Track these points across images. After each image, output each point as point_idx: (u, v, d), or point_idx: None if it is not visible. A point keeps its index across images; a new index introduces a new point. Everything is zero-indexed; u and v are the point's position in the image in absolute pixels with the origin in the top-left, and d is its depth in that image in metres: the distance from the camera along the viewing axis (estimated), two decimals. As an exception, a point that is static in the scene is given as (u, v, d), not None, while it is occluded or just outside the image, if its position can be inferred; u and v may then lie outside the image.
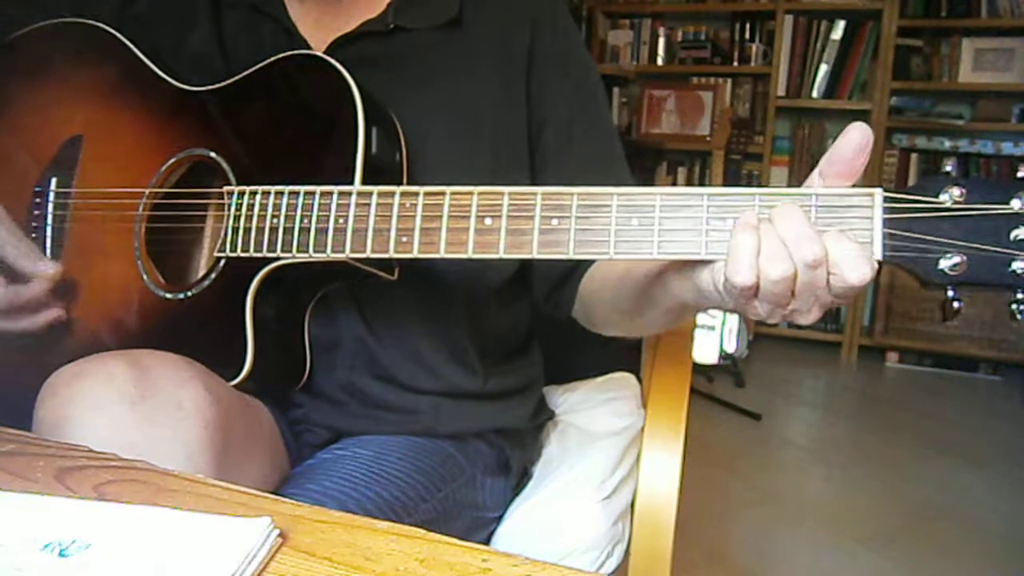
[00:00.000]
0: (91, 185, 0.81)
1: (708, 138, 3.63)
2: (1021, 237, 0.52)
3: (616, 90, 3.81)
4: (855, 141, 0.53)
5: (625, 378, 1.13)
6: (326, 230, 0.66)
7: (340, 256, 0.66)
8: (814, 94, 3.56)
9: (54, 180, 0.83)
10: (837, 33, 3.50)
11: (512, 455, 0.91)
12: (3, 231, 0.74)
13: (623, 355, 1.14)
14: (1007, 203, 0.52)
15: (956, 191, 0.53)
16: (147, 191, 0.79)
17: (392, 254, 0.63)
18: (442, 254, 0.61)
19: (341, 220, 0.66)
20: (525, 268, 0.89)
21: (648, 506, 0.90)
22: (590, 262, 0.83)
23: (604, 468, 0.92)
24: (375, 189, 0.65)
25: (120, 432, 0.59)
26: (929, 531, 2.09)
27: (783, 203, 0.54)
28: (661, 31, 3.82)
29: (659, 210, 0.57)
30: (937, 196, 0.53)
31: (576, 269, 0.84)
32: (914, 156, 3.46)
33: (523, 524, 0.89)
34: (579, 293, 0.85)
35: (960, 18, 3.32)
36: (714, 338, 2.94)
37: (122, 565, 0.43)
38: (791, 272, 0.52)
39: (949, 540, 2.05)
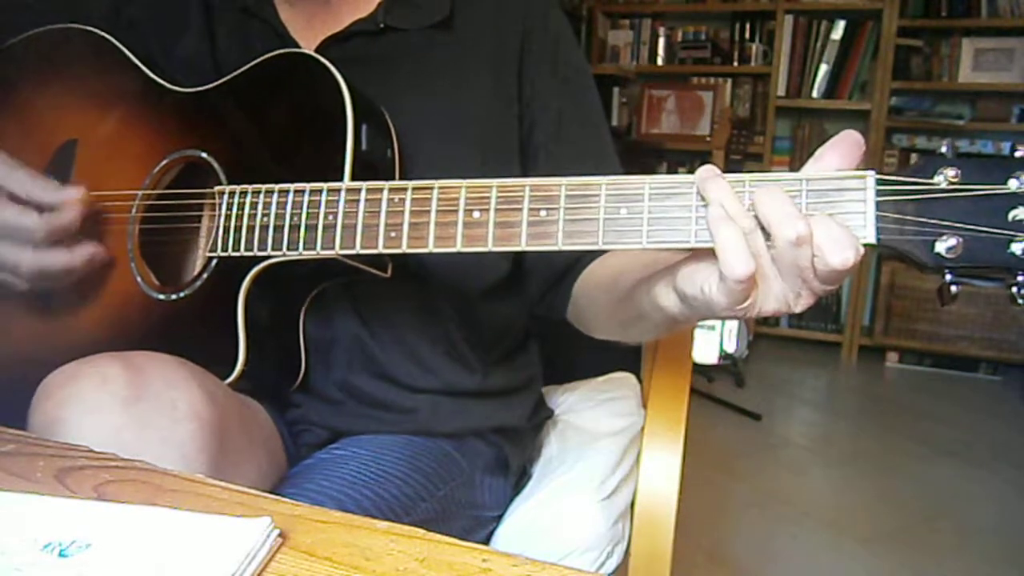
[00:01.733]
0: (86, 188, 0.81)
1: (708, 138, 3.63)
2: (1020, 217, 0.51)
3: (616, 90, 3.81)
4: (850, 152, 0.53)
5: (625, 378, 1.13)
6: (315, 227, 0.66)
7: (329, 253, 0.66)
8: (814, 94, 3.57)
9: None
10: (837, 33, 3.50)
11: (511, 454, 0.91)
12: (15, 169, 0.74)
13: (623, 355, 1.14)
14: (1004, 183, 0.51)
15: (951, 172, 0.52)
16: (140, 193, 0.79)
17: (381, 249, 0.63)
18: (431, 248, 0.61)
19: (330, 217, 0.65)
20: (520, 265, 0.89)
21: (648, 506, 0.90)
22: (584, 264, 0.83)
23: (604, 468, 0.92)
24: (364, 185, 0.65)
25: (114, 434, 0.59)
26: (928, 531, 2.10)
27: (764, 187, 0.53)
28: (661, 31, 3.83)
29: (648, 198, 0.56)
30: (931, 177, 0.52)
31: (569, 272, 0.84)
32: (914, 156, 3.46)
33: (523, 524, 0.89)
34: (573, 296, 0.85)
35: (960, 18, 3.32)
36: (714, 338, 2.94)
37: (122, 565, 0.43)
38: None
39: (948, 540, 2.05)
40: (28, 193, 0.73)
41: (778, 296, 0.54)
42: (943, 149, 0.54)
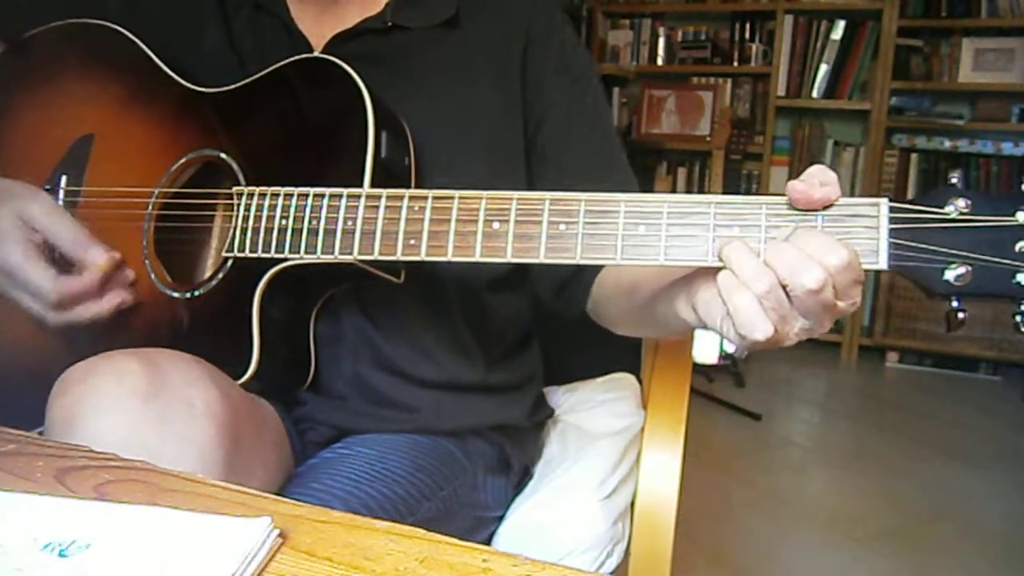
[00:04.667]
0: (101, 184, 0.82)
1: (708, 138, 3.63)
2: None
3: (616, 90, 3.80)
4: (800, 199, 0.54)
5: (625, 378, 1.13)
6: (334, 232, 0.66)
7: (348, 258, 0.66)
8: (814, 94, 3.56)
9: (64, 178, 0.83)
10: (837, 33, 3.50)
11: (512, 453, 0.91)
12: (55, 216, 0.74)
13: (623, 355, 1.14)
14: (1012, 215, 0.53)
15: (962, 203, 0.54)
16: (156, 191, 0.79)
17: (400, 256, 0.64)
18: (450, 257, 0.62)
19: (350, 222, 0.66)
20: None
21: (648, 506, 0.90)
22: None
23: (604, 468, 0.92)
24: (384, 192, 0.65)
25: (133, 429, 0.59)
26: (929, 531, 2.10)
27: (772, 246, 0.54)
28: (661, 31, 3.83)
29: (666, 217, 0.57)
30: (943, 207, 0.54)
31: (585, 267, 0.84)
32: (914, 156, 3.46)
33: (523, 524, 0.89)
34: (592, 294, 0.85)
35: (960, 18, 3.32)
36: (714, 338, 2.94)
37: (122, 565, 0.43)
38: (827, 278, 0.52)
39: (949, 540, 2.05)
40: (58, 243, 0.73)
41: (800, 332, 0.55)
42: (954, 179, 0.57)
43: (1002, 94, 3.32)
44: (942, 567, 1.93)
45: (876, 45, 3.42)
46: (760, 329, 0.53)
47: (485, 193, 0.61)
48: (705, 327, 0.59)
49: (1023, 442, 2.70)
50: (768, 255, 0.54)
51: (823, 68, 3.53)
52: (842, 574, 1.91)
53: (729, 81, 3.75)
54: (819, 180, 0.54)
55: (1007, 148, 3.28)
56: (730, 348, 3.02)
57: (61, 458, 0.55)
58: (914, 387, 3.27)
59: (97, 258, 0.73)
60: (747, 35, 3.69)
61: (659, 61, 3.84)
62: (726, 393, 2.97)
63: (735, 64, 3.71)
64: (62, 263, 0.74)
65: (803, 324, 0.55)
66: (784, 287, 0.53)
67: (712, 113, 3.69)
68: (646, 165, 3.78)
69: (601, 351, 1.12)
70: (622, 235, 0.57)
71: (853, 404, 3.15)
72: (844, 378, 3.42)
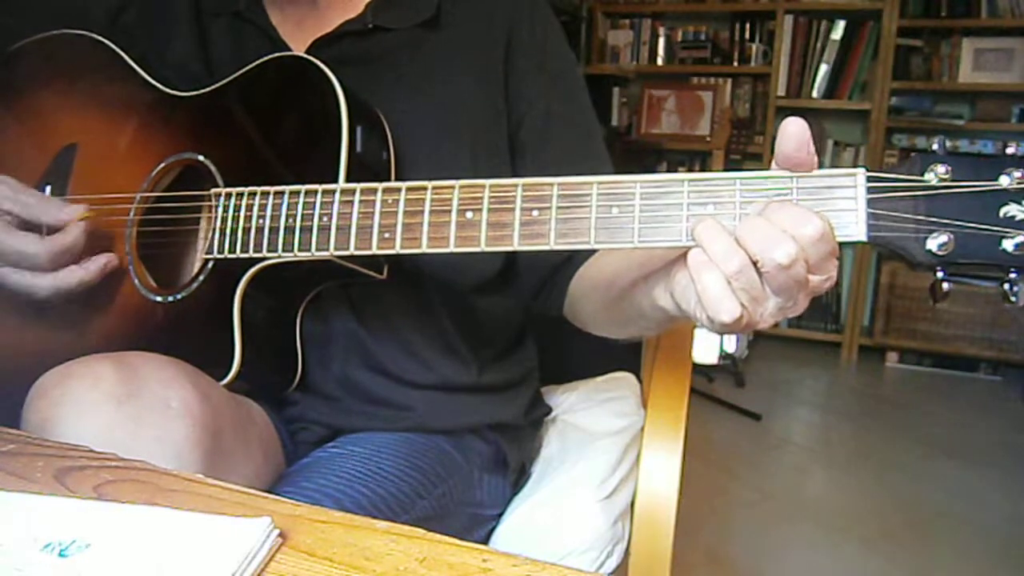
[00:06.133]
0: (86, 192, 0.82)
1: (708, 138, 3.63)
2: (1011, 214, 0.51)
3: (616, 90, 3.81)
4: (793, 135, 0.52)
5: (625, 378, 1.13)
6: (310, 228, 0.66)
7: (324, 254, 0.66)
8: (814, 94, 3.56)
9: (48, 188, 0.83)
10: (837, 33, 3.50)
11: (509, 451, 0.91)
12: (20, 192, 0.74)
13: (623, 355, 1.14)
14: (995, 180, 0.51)
15: (942, 169, 0.51)
16: (138, 196, 0.79)
17: (375, 250, 0.63)
18: (424, 249, 0.61)
19: (325, 218, 0.66)
20: (514, 262, 0.89)
21: (648, 506, 0.90)
22: (578, 262, 0.83)
23: (604, 468, 0.92)
24: (358, 186, 0.65)
25: (107, 432, 0.59)
26: (929, 531, 2.10)
27: (744, 220, 0.53)
28: (661, 31, 3.83)
29: (639, 198, 0.56)
30: (922, 175, 0.52)
31: (563, 268, 0.84)
32: (914, 156, 3.46)
33: (523, 524, 0.89)
34: (569, 295, 0.85)
35: (960, 18, 3.32)
36: (714, 338, 2.94)
37: (122, 565, 0.43)
38: (799, 252, 0.51)
39: (949, 540, 2.05)
40: (32, 215, 0.73)
41: (774, 311, 0.54)
42: (935, 146, 0.53)
43: (1002, 94, 3.32)
44: (942, 566, 1.93)
45: (876, 45, 3.42)
46: (726, 310, 0.52)
47: (458, 183, 0.61)
48: (682, 315, 0.58)
49: (1023, 442, 2.70)
50: (739, 231, 0.52)
51: (823, 68, 3.53)
52: (842, 574, 1.91)
53: (729, 81, 3.75)
54: (798, 138, 0.52)
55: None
56: (730, 348, 3.02)
57: (61, 458, 0.55)
58: (914, 387, 3.27)
59: (75, 212, 0.74)
60: (747, 35, 3.69)
61: (659, 61, 3.84)
62: (726, 393, 2.97)
63: (735, 64, 3.71)
64: (41, 231, 0.74)
65: (776, 303, 0.53)
66: (755, 264, 0.51)
67: (712, 113, 3.69)
68: (646, 165, 3.77)
69: (601, 351, 1.12)
70: (595, 218, 0.56)
71: (853, 404, 3.15)
72: (844, 378, 3.42)
